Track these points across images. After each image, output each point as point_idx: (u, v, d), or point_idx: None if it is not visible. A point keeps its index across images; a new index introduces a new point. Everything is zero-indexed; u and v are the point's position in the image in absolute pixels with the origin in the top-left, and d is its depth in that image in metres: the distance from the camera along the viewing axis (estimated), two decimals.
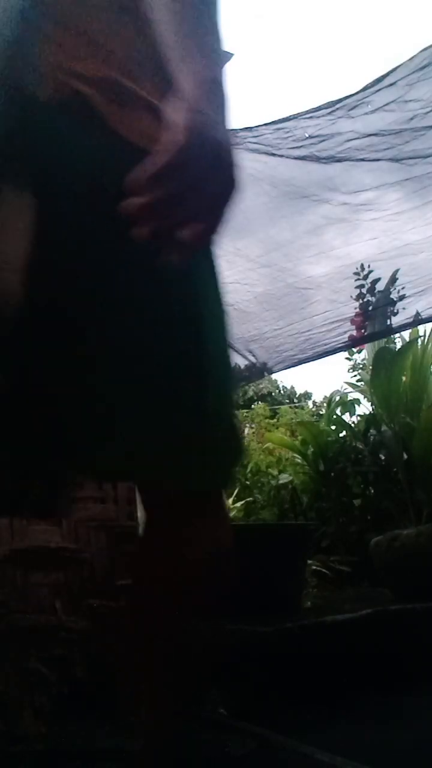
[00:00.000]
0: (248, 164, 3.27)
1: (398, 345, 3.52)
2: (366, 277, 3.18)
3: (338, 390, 4.13)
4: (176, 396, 0.85)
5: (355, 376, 3.85)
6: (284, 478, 4.17)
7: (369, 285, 3.20)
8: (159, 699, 1.03)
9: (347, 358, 3.87)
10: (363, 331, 3.46)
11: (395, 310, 3.38)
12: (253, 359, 4.42)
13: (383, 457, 3.24)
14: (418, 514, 2.94)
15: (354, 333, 3.46)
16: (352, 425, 3.66)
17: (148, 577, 1.00)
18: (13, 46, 0.90)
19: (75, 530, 2.18)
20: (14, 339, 0.81)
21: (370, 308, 3.42)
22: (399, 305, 3.36)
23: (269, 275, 2.26)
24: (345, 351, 3.67)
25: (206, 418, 0.87)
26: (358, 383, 3.77)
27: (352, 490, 3.35)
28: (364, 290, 3.34)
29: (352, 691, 1.87)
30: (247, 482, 4.93)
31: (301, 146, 3.04)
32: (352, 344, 3.43)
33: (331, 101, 2.88)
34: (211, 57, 0.79)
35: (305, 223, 2.77)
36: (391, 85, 2.72)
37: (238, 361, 4.54)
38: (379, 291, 3.33)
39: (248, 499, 4.75)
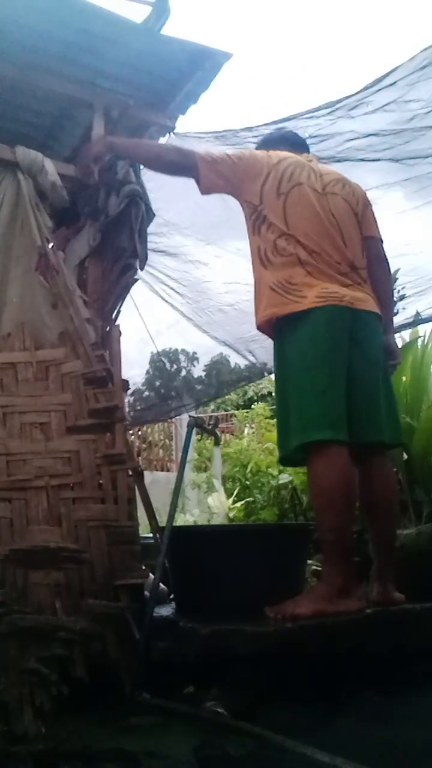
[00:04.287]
0: None
1: (398, 345, 3.51)
2: None
3: None
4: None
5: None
6: (284, 478, 4.17)
7: None
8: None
9: None
10: None
11: (395, 310, 3.38)
12: (253, 359, 4.42)
13: None
14: (418, 514, 2.94)
15: None
16: None
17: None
18: None
19: (75, 530, 2.18)
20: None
21: None
22: (399, 305, 3.36)
23: None
24: None
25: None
26: None
27: None
28: None
29: (352, 691, 1.87)
30: (247, 482, 4.93)
31: None
32: None
33: (331, 101, 2.89)
34: None
35: None
36: (391, 85, 2.72)
37: (238, 361, 4.55)
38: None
39: (248, 499, 4.75)
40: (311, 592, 2.12)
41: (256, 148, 2.61)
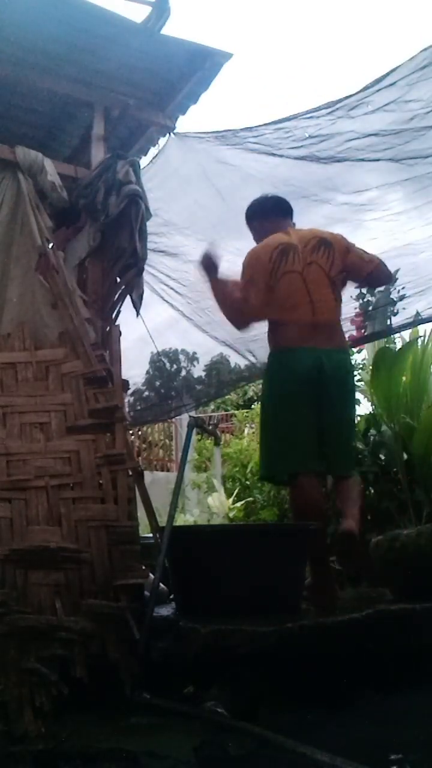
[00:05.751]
0: (248, 164, 3.28)
1: (398, 345, 3.51)
2: None
3: None
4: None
5: (355, 376, 3.84)
6: None
7: None
8: None
9: None
10: (363, 331, 3.45)
11: (395, 310, 3.37)
12: (253, 359, 4.41)
13: (383, 457, 3.24)
14: (418, 514, 2.94)
15: (354, 333, 3.46)
16: None
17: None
18: None
19: (75, 530, 2.18)
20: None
21: (370, 308, 3.41)
22: (399, 305, 3.36)
23: None
24: None
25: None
26: (358, 383, 3.76)
27: None
28: (364, 290, 3.34)
29: (352, 691, 1.87)
30: (247, 482, 4.93)
31: (301, 146, 3.04)
32: (352, 344, 3.43)
33: (331, 101, 2.88)
34: None
35: (306, 223, 2.77)
36: (391, 85, 2.72)
37: (238, 361, 4.55)
38: (379, 291, 3.33)
39: (248, 499, 4.75)
40: None
41: (247, 221, 2.72)
